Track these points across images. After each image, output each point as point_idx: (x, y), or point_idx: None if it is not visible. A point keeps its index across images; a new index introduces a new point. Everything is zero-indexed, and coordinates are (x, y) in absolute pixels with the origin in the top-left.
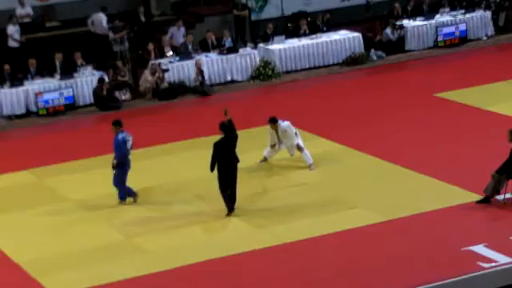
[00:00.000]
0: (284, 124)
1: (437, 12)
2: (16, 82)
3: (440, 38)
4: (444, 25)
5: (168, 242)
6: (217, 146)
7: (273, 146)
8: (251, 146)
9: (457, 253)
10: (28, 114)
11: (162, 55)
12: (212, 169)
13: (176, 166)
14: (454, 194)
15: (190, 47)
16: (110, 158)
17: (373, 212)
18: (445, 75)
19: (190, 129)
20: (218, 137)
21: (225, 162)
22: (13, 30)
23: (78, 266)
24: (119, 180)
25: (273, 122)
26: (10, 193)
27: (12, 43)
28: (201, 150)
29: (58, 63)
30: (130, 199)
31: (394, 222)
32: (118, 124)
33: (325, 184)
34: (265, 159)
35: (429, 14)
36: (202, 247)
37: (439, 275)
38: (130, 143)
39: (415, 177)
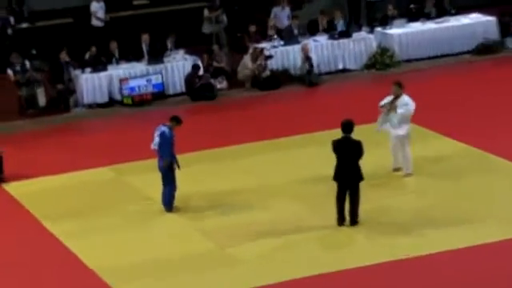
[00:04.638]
0: (407, 98)
1: None
2: (99, 66)
3: None
4: None
5: (264, 253)
6: (334, 144)
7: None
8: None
9: None
10: (111, 103)
11: (264, 38)
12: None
13: (275, 166)
14: None
15: (295, 30)
16: (200, 155)
17: (507, 226)
18: None
19: (294, 124)
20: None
21: (342, 167)
22: (97, 6)
23: (162, 275)
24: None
25: (400, 85)
26: (88, 192)
27: (96, 22)
28: (304, 149)
29: (144, 46)
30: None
31: None
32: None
33: (446, 191)
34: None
35: None
36: (305, 260)
37: None
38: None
39: None
